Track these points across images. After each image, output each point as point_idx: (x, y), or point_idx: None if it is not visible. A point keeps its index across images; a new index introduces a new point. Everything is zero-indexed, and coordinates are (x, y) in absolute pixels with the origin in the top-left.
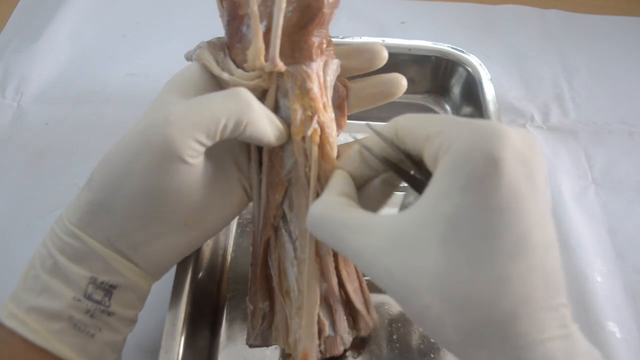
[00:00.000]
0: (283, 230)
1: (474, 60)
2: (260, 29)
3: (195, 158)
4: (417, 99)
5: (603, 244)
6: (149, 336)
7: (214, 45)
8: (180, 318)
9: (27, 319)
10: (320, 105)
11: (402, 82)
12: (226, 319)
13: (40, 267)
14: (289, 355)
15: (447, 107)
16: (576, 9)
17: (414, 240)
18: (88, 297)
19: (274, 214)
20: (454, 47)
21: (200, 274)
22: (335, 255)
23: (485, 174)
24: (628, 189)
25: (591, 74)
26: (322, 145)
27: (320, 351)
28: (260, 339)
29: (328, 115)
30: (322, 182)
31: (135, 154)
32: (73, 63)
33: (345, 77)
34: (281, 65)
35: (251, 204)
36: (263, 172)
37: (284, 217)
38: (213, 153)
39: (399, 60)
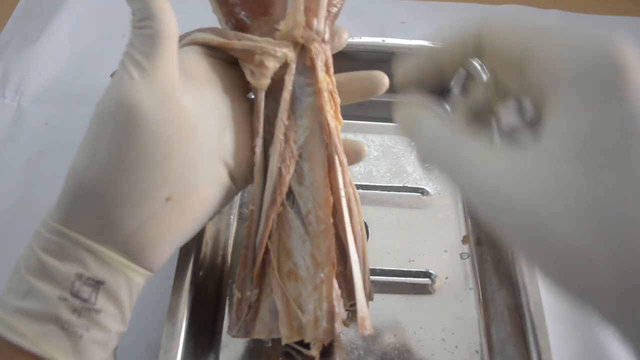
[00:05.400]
0: (288, 208)
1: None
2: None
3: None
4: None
5: None
6: (149, 336)
7: (209, 29)
8: (180, 318)
9: (13, 322)
10: (335, 83)
11: (384, 80)
12: (226, 319)
13: (24, 269)
14: (301, 342)
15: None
16: (576, 9)
17: (549, 163)
18: (75, 294)
19: (284, 190)
20: None
21: (201, 274)
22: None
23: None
24: None
25: None
26: (336, 112)
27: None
28: (243, 331)
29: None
30: (339, 150)
31: (95, 131)
32: (73, 63)
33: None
34: (324, 35)
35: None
36: (274, 148)
37: (288, 194)
38: (188, 126)
39: None
